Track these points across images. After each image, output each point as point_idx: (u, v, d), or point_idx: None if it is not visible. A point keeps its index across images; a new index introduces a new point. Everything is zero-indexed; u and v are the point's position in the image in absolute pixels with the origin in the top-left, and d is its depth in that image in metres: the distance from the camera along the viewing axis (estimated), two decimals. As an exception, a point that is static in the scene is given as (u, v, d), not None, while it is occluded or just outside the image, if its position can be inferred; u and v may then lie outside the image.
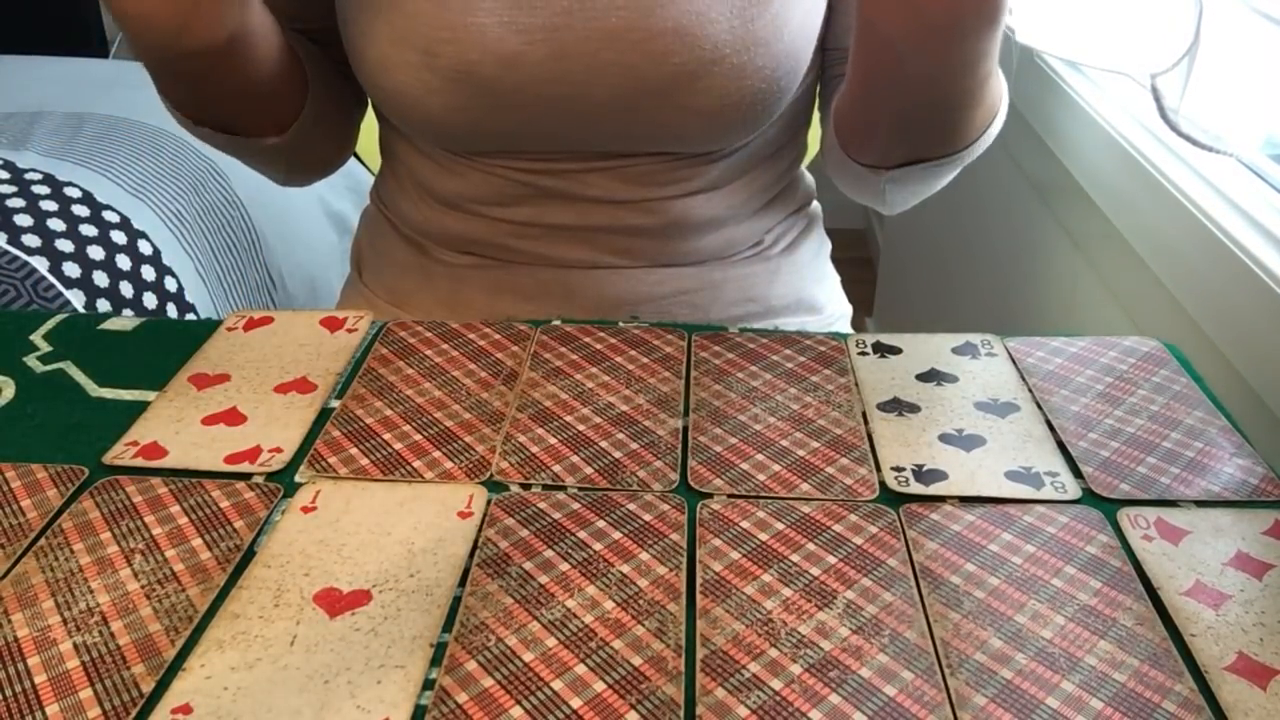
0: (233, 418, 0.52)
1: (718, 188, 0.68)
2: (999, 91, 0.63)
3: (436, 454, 0.49)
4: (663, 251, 0.69)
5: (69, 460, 0.49)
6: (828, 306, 0.77)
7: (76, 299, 1.08)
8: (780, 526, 0.45)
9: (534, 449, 0.50)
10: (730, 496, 0.47)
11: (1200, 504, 0.46)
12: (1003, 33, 0.54)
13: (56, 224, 1.14)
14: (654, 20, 0.58)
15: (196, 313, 1.20)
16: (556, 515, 0.45)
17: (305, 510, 0.46)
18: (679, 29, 0.59)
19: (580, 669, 0.38)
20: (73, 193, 1.19)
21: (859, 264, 2.38)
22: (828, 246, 0.80)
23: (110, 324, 0.61)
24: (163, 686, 0.37)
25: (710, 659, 0.38)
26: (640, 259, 0.69)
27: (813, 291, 0.76)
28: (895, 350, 0.58)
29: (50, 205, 1.16)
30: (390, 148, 0.74)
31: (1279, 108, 0.72)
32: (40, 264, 1.08)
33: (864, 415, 0.52)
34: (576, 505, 0.46)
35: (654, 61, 0.59)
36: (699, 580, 0.42)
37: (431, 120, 0.63)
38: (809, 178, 0.78)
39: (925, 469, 0.48)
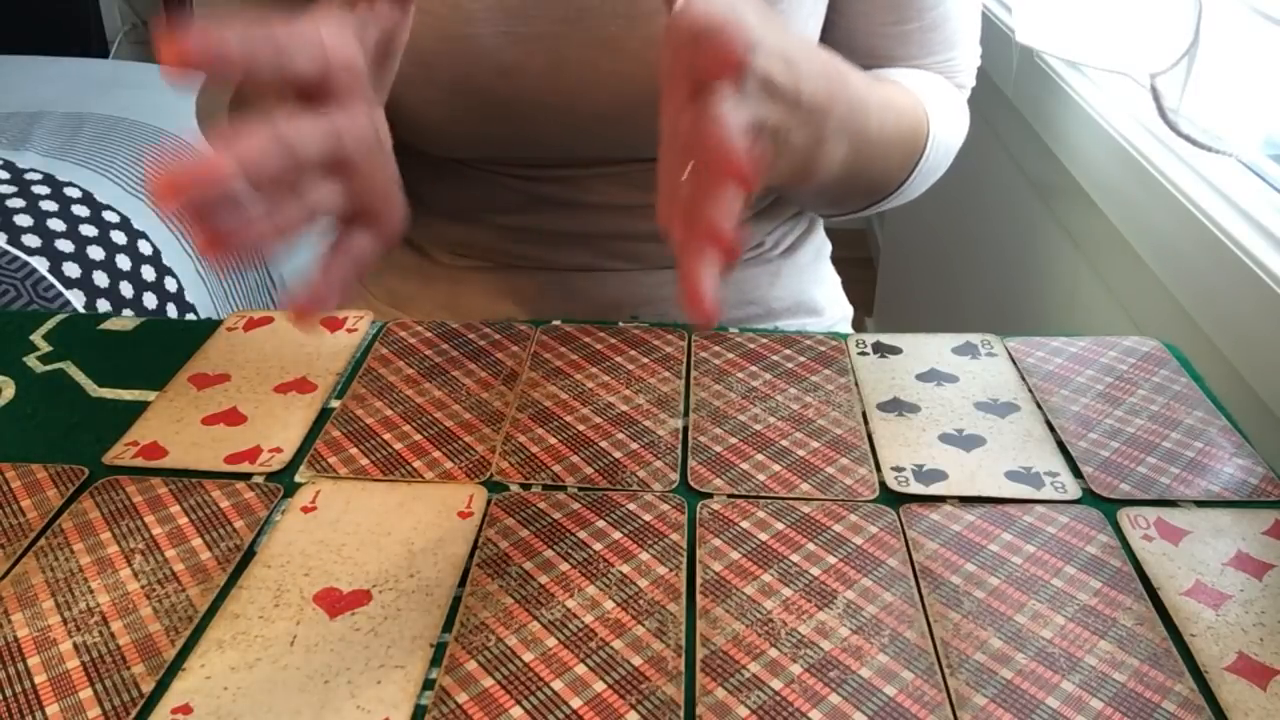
0: (233, 418, 0.52)
1: None
2: (913, 136, 0.65)
3: (436, 454, 0.49)
4: (663, 254, 0.69)
5: (69, 460, 0.49)
6: (828, 309, 0.77)
7: (76, 299, 1.08)
8: (780, 526, 0.45)
9: (534, 449, 0.50)
10: (730, 496, 0.47)
11: (1200, 504, 0.46)
12: (858, 116, 0.56)
13: (56, 224, 1.14)
14: (653, 29, 0.58)
15: (196, 313, 1.21)
16: (556, 515, 0.45)
17: (305, 510, 0.46)
18: None
19: (580, 669, 0.38)
20: (73, 193, 1.19)
21: (859, 264, 2.38)
22: (828, 248, 0.80)
23: (110, 324, 0.61)
24: (163, 686, 0.37)
25: (710, 659, 0.38)
26: (641, 262, 0.69)
27: (813, 294, 0.76)
28: (895, 350, 0.58)
29: (50, 205, 1.16)
30: None
31: (1279, 108, 0.72)
32: (40, 264, 1.08)
33: (864, 415, 0.52)
34: (576, 505, 0.46)
35: (652, 70, 0.59)
36: (699, 580, 0.42)
37: (430, 130, 0.63)
38: None
39: (925, 469, 0.48)
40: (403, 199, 0.44)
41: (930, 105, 0.66)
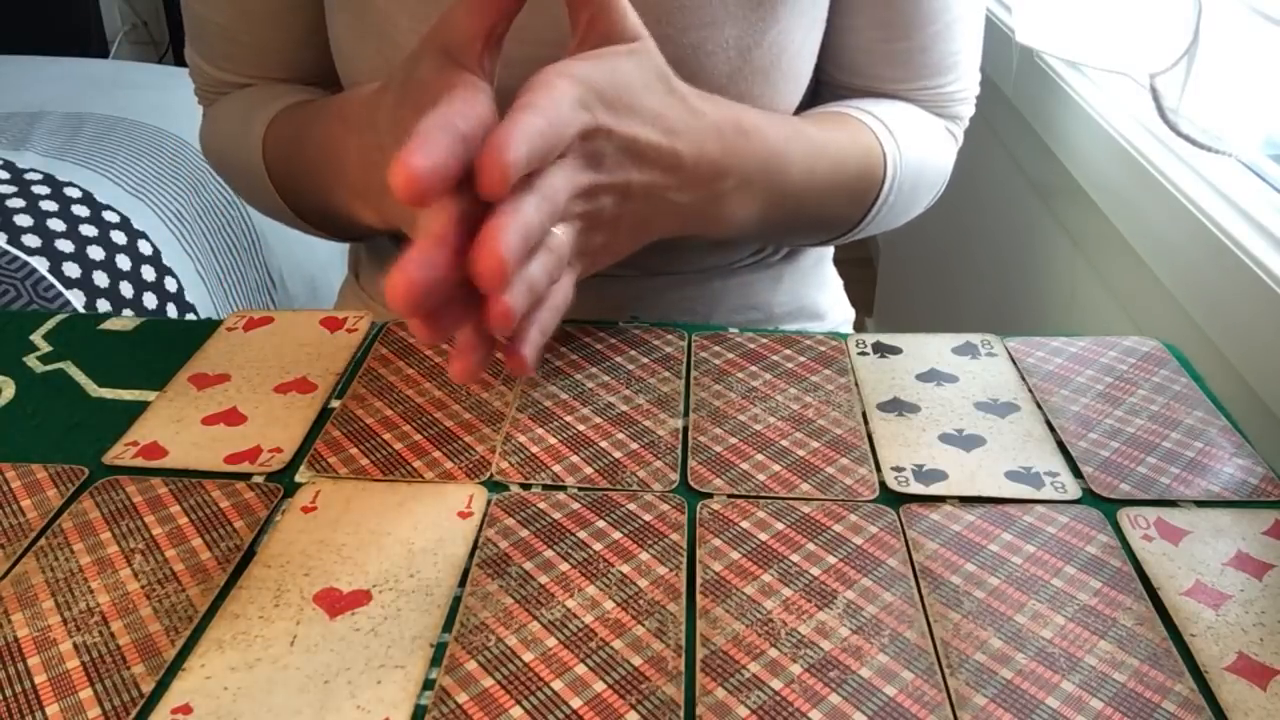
0: (233, 418, 0.52)
1: None
2: (858, 179, 0.64)
3: (436, 454, 0.49)
4: (664, 263, 0.69)
5: (69, 460, 0.49)
6: (830, 313, 0.77)
7: (76, 299, 1.08)
8: (780, 526, 0.45)
9: (534, 449, 0.50)
10: (730, 496, 0.47)
11: (1200, 504, 0.46)
12: (778, 179, 0.57)
13: (56, 224, 1.14)
14: None
15: (196, 313, 1.21)
16: (556, 515, 0.45)
17: (305, 510, 0.46)
18: (675, 62, 0.57)
19: (580, 669, 0.38)
20: (73, 193, 1.19)
21: (859, 264, 2.38)
22: (830, 252, 0.80)
23: (110, 324, 0.61)
24: (163, 686, 0.37)
25: (710, 659, 0.38)
26: (639, 269, 0.68)
27: (815, 298, 0.76)
28: (895, 350, 0.58)
29: (50, 205, 1.16)
30: None
31: (1279, 108, 0.72)
32: (40, 264, 1.08)
33: (864, 415, 0.52)
34: (576, 505, 0.46)
35: None
36: (699, 580, 0.42)
37: None
38: None
39: (925, 469, 0.48)
40: None
41: (890, 145, 0.64)
